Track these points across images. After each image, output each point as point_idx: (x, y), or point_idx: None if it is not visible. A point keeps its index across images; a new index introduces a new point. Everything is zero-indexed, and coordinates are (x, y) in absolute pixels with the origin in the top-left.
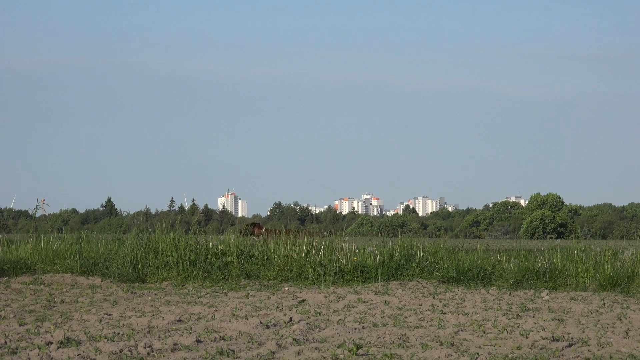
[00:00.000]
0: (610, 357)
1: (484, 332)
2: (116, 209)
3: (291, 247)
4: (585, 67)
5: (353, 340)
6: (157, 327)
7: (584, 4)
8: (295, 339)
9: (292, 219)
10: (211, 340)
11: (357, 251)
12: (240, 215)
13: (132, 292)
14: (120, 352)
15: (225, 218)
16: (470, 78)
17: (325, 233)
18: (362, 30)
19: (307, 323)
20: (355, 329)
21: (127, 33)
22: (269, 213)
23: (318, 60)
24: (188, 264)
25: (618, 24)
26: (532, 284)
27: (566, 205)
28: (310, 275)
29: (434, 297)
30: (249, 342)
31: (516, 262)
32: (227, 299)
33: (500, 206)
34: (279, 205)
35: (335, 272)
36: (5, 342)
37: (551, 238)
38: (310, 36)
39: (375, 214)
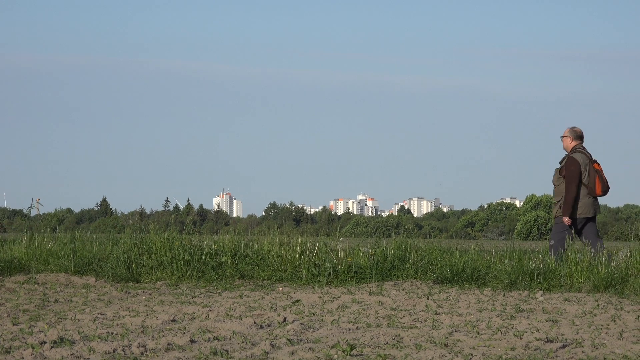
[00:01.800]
0: (604, 358)
1: (478, 333)
2: (111, 208)
3: (285, 248)
4: (581, 67)
5: (347, 340)
6: (151, 326)
7: (582, 4)
8: (289, 339)
9: (287, 219)
10: (205, 340)
11: (351, 252)
12: (235, 215)
13: (126, 291)
14: (114, 351)
15: (220, 218)
16: (465, 78)
17: None
18: (357, 30)
19: (301, 323)
20: (349, 329)
21: (124, 32)
22: (264, 213)
23: (313, 59)
24: (182, 264)
25: (615, 25)
26: (527, 285)
27: None
28: (304, 276)
29: (428, 298)
30: (243, 342)
31: (510, 263)
32: (221, 299)
33: (495, 207)
34: (274, 206)
35: (330, 273)
36: None
37: (546, 239)
38: (306, 36)
39: (371, 214)
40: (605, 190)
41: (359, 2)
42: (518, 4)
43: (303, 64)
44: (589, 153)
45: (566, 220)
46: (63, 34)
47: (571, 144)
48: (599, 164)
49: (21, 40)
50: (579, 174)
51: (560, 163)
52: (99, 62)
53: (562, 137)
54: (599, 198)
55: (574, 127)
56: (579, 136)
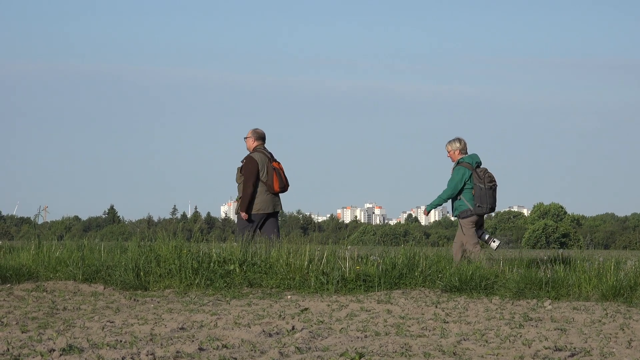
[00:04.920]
0: None
1: (487, 342)
2: (119, 216)
3: (293, 256)
4: (588, 75)
5: (355, 348)
6: (159, 334)
7: (587, 13)
8: (297, 347)
9: (295, 227)
10: (214, 348)
11: (359, 260)
12: None
13: (134, 299)
14: (123, 359)
15: (228, 226)
16: (471, 86)
17: None
18: (364, 38)
19: (310, 331)
20: (358, 337)
21: (129, 38)
22: None
23: (321, 67)
24: (190, 271)
25: (622, 32)
26: (535, 293)
27: (569, 215)
28: (312, 284)
29: (436, 306)
30: (252, 350)
31: (519, 272)
32: (229, 307)
33: (503, 215)
34: (281, 214)
35: (338, 281)
36: (8, 349)
37: (554, 248)
38: (312, 43)
39: (378, 222)
40: (282, 187)
41: (362, 11)
42: (519, 12)
43: (308, 71)
44: (269, 153)
45: (243, 215)
46: (69, 40)
47: (253, 144)
48: (279, 163)
49: (27, 46)
50: (257, 172)
51: (242, 162)
52: (106, 70)
53: (245, 138)
54: (282, 195)
55: (256, 129)
56: (260, 137)
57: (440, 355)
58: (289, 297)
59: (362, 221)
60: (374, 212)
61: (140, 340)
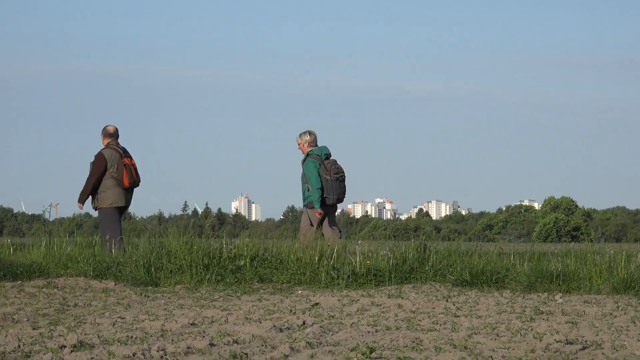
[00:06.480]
0: None
1: (498, 335)
2: (129, 213)
3: (304, 251)
4: (599, 70)
5: (366, 343)
6: (170, 330)
7: (600, 9)
8: (308, 342)
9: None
10: (224, 344)
11: (370, 255)
12: (253, 219)
13: (145, 295)
14: (134, 355)
15: (239, 222)
16: (483, 82)
17: None
18: (373, 36)
19: (321, 326)
20: (369, 332)
21: (136, 38)
22: (282, 217)
23: (329, 65)
24: (201, 267)
25: (634, 28)
26: (546, 287)
27: (580, 209)
28: (323, 279)
29: (447, 301)
30: (262, 345)
31: (530, 266)
32: (240, 303)
33: (514, 209)
34: (292, 209)
35: (349, 276)
36: (19, 345)
37: (565, 241)
38: (321, 42)
39: (389, 217)
40: (133, 182)
41: (371, 11)
42: (532, 10)
43: (317, 69)
44: (121, 148)
45: (79, 205)
46: (79, 41)
47: (104, 141)
48: (130, 159)
49: (37, 47)
50: (103, 168)
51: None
52: (114, 69)
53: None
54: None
55: (106, 126)
56: (110, 134)
57: (451, 349)
58: (299, 292)
59: (373, 216)
60: (384, 207)
61: (151, 336)
